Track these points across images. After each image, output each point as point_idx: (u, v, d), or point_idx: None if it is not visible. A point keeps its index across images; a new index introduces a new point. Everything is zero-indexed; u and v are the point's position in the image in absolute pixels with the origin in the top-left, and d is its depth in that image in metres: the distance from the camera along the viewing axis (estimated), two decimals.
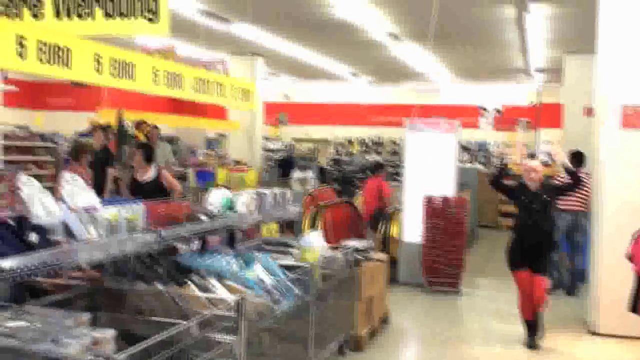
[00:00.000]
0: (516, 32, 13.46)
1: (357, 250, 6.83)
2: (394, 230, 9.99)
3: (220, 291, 4.26)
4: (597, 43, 7.66)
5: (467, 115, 21.88)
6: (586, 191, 8.70)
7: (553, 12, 11.87)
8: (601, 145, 7.54)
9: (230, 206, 5.38)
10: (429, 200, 9.26)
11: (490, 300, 8.96)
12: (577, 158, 9.44)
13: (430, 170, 9.69)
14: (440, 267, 9.16)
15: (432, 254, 9.19)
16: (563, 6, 11.36)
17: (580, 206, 9.03)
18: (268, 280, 4.77)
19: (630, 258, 6.20)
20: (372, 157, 21.72)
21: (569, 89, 15.20)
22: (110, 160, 9.77)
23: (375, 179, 10.90)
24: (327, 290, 5.79)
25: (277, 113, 23.54)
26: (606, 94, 7.53)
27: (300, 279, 5.19)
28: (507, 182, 7.28)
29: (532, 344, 6.79)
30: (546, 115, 21.17)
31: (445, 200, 9.26)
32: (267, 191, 6.08)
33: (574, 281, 9.27)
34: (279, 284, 4.81)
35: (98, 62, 4.71)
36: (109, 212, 3.73)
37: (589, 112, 10.87)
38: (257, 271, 4.78)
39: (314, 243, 5.81)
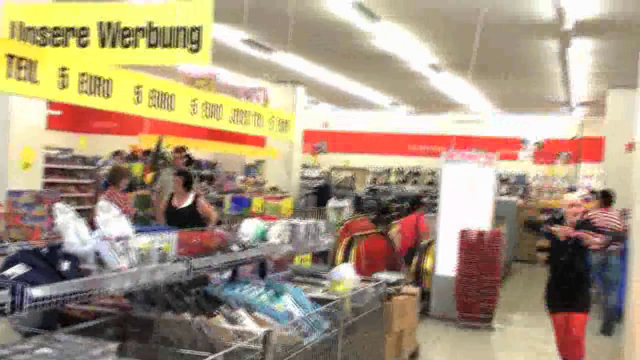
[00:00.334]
0: (559, 65, 13.37)
1: (388, 283, 6.79)
2: (428, 263, 9.91)
3: (247, 323, 4.28)
4: None
5: (507, 147, 21.72)
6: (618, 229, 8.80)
7: (597, 46, 11.78)
8: None
9: (262, 237, 5.42)
10: (464, 234, 9.19)
11: (523, 337, 8.82)
12: (606, 198, 9.58)
13: (466, 203, 9.62)
14: (474, 301, 9.04)
15: (465, 288, 9.08)
16: (607, 40, 11.28)
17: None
18: (297, 313, 4.77)
19: None
20: (410, 187, 21.65)
21: (612, 123, 15.03)
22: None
23: (413, 214, 10.82)
24: (356, 323, 5.76)
25: (316, 141, 23.67)
26: None
27: (330, 312, 5.18)
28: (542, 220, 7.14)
29: None
30: (587, 148, 20.95)
31: (481, 234, 9.16)
32: (300, 222, 6.10)
33: (608, 319, 9.07)
34: (308, 318, 4.80)
35: (137, 92, 4.83)
36: (142, 241, 3.79)
37: (631, 147, 10.71)
38: (287, 303, 4.79)
39: (346, 275, 5.79)
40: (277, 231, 5.52)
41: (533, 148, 22.41)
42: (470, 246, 9.16)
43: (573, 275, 6.51)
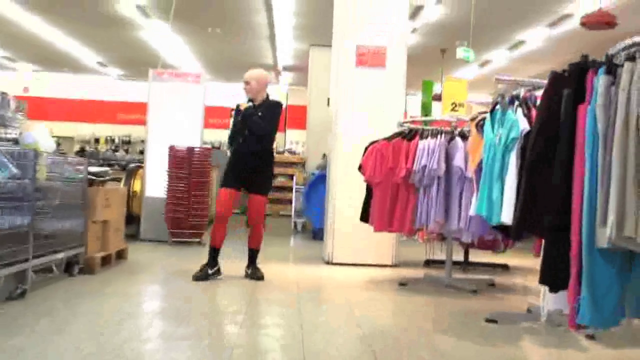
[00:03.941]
0: (265, 16, 13.81)
1: (91, 173, 6.38)
2: (136, 186, 9.58)
3: None
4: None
5: (218, 116, 21.95)
6: None
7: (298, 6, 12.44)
8: (338, 83, 7.95)
9: None
10: (173, 150, 9.02)
11: (233, 246, 8.83)
12: None
13: (175, 124, 9.47)
14: (184, 217, 8.91)
15: (176, 205, 8.91)
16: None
17: None
18: None
19: (360, 168, 6.56)
20: (121, 155, 20.86)
21: (314, 77, 15.86)
22: None
23: None
24: (54, 190, 5.29)
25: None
26: (343, 36, 7.96)
27: (20, 163, 4.68)
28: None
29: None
30: (293, 116, 22.05)
31: (190, 149, 9.06)
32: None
33: None
34: None
35: None
36: None
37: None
38: None
39: (39, 139, 5.26)
40: None
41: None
42: (179, 162, 8.99)
43: (251, 161, 6.32)
